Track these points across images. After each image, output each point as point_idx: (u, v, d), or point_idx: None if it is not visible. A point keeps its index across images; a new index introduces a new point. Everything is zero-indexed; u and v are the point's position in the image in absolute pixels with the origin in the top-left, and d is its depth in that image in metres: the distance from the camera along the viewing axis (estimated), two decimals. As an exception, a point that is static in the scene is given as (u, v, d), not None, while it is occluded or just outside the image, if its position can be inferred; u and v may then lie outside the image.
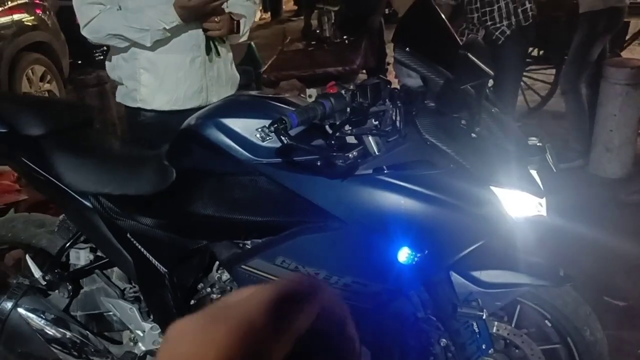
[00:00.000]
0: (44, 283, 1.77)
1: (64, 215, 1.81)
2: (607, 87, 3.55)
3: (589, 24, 3.58)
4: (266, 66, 4.17)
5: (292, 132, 1.21)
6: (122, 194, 1.60)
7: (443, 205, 1.29)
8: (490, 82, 1.49)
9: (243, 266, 1.47)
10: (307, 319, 0.36)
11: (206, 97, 1.99)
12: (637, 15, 4.30)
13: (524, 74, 4.78)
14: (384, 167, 1.32)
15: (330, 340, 0.38)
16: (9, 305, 1.78)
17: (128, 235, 1.59)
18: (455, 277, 1.46)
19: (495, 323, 1.54)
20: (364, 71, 4.64)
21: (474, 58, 1.19)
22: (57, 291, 1.80)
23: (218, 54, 1.98)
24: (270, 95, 1.54)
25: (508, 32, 3.34)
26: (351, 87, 1.31)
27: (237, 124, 1.41)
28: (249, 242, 1.52)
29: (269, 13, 10.75)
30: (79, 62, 5.87)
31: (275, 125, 1.15)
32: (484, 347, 1.48)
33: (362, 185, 1.31)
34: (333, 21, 4.56)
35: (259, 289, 0.37)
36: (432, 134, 1.28)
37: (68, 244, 1.78)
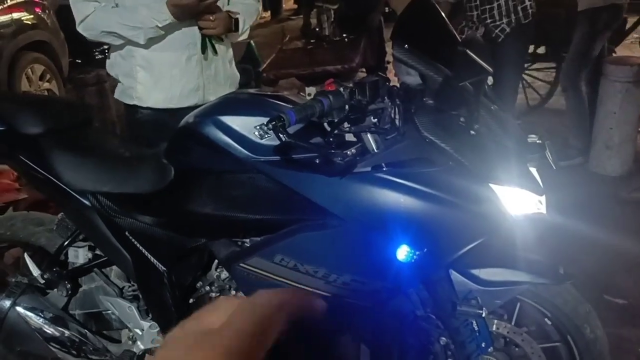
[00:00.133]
0: (42, 281, 1.77)
1: (62, 213, 1.81)
2: (607, 84, 3.54)
3: (590, 21, 3.57)
4: (265, 65, 4.17)
5: (291, 130, 1.20)
6: (120, 192, 1.60)
7: (442, 203, 1.28)
8: (490, 80, 1.49)
9: (242, 264, 1.46)
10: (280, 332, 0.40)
11: (203, 96, 1.98)
12: (634, 13, 4.27)
13: (526, 72, 4.79)
14: (383, 164, 1.31)
15: (312, 348, 0.41)
16: (7, 303, 1.78)
17: (127, 233, 1.59)
18: (455, 275, 1.46)
19: (495, 321, 1.53)
20: (364, 69, 4.64)
21: (472, 54, 1.19)
22: (55, 290, 1.80)
23: (215, 52, 1.97)
24: (268, 93, 1.54)
25: (508, 29, 3.33)
26: (350, 84, 1.30)
27: (236, 122, 1.41)
28: (247, 240, 1.51)
29: (269, 12, 10.74)
30: (79, 61, 5.87)
31: (274, 122, 1.15)
32: (483, 345, 1.48)
33: (361, 183, 1.31)
34: (332, 19, 4.55)
35: (236, 311, 0.40)
36: (431, 131, 1.28)
37: (67, 243, 1.77)
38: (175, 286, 1.59)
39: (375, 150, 1.32)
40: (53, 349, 1.81)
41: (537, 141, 1.36)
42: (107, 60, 2.08)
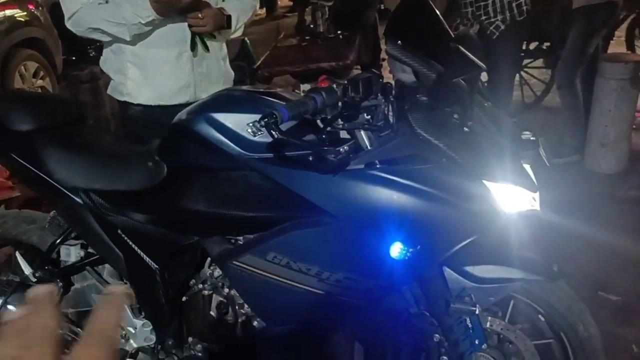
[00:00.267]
0: (34, 280, 1.76)
1: (54, 211, 1.79)
2: (602, 82, 3.54)
3: (586, 18, 3.57)
4: (259, 62, 4.15)
5: (284, 127, 1.20)
6: (113, 189, 1.59)
7: (435, 200, 1.28)
8: (485, 77, 1.48)
9: (234, 262, 1.45)
10: None
11: (194, 93, 1.96)
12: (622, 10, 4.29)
13: (526, 69, 4.79)
14: (376, 161, 1.31)
15: None
16: (-1, 302, 1.76)
17: (119, 231, 1.58)
18: (449, 272, 1.46)
19: (489, 318, 1.53)
20: (358, 67, 4.63)
21: (465, 51, 1.18)
22: (47, 288, 1.79)
23: (207, 49, 1.95)
24: (261, 90, 1.53)
25: (502, 26, 3.33)
26: (343, 81, 1.29)
27: (228, 119, 1.40)
28: (240, 237, 1.51)
29: (264, 9, 10.71)
30: (73, 58, 5.84)
31: (266, 119, 1.14)
32: (477, 342, 1.48)
33: (354, 180, 1.30)
34: (327, 16, 4.54)
35: None
36: (424, 128, 1.27)
37: (59, 241, 1.76)
38: (168, 284, 1.59)
39: (369, 147, 1.31)
40: (45, 347, 1.80)
41: (531, 138, 1.35)
42: (101, 57, 2.07)
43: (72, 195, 1.60)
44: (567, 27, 3.73)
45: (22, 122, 1.63)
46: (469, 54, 1.20)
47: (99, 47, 2.09)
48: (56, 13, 4.98)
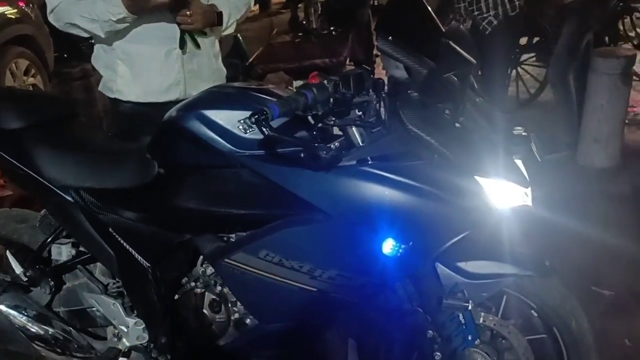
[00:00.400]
0: (25, 279, 1.75)
1: (45, 210, 1.78)
2: (595, 77, 3.55)
3: (579, 14, 3.57)
4: (253, 58, 4.14)
5: (275, 124, 1.19)
6: (104, 187, 1.58)
7: (427, 196, 1.28)
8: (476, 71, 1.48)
9: (227, 260, 1.45)
10: None
11: (184, 91, 1.95)
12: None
13: (523, 66, 4.79)
14: (368, 158, 1.31)
15: None
16: (-11, 302, 1.75)
17: (110, 229, 1.57)
18: (441, 268, 1.45)
19: (482, 314, 1.53)
20: (352, 63, 4.62)
21: (455, 46, 1.18)
22: (39, 287, 1.78)
23: (198, 46, 1.94)
24: (252, 87, 1.52)
25: (495, 22, 3.33)
26: (334, 77, 1.29)
27: (219, 116, 1.39)
28: (233, 235, 1.50)
29: (258, 5, 10.68)
30: (65, 55, 5.80)
31: (257, 116, 1.13)
32: (470, 338, 1.48)
33: (346, 177, 1.30)
34: (320, 13, 4.53)
35: None
36: (416, 124, 1.27)
37: (50, 239, 1.75)
38: (160, 282, 1.58)
39: (361, 144, 1.31)
40: (37, 347, 1.79)
41: (523, 133, 1.35)
42: (93, 53, 2.06)
43: (62, 194, 1.59)
44: (560, 23, 3.73)
45: (11, 120, 1.62)
46: (459, 49, 1.20)
47: (90, 43, 2.08)
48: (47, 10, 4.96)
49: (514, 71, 4.72)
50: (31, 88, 4.88)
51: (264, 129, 1.14)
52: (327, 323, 1.61)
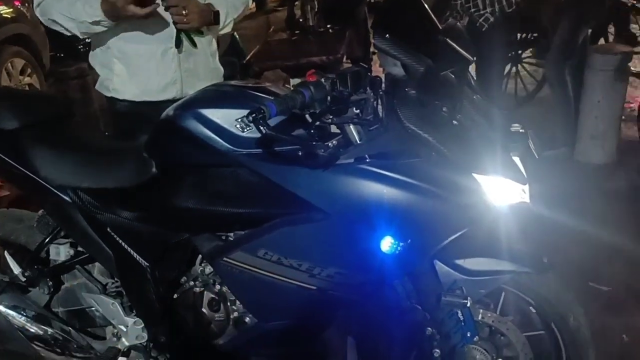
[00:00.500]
0: (23, 279, 1.75)
1: (42, 210, 1.78)
2: (592, 74, 3.56)
3: (576, 10, 3.57)
4: (250, 56, 4.13)
5: (273, 122, 1.19)
6: (101, 187, 1.58)
7: (425, 194, 1.28)
8: (473, 69, 1.48)
9: (225, 259, 1.45)
10: None
11: (181, 90, 1.95)
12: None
13: (523, 63, 4.79)
14: (366, 156, 1.30)
15: None
16: (-12, 303, 1.75)
17: (108, 229, 1.57)
18: (439, 265, 1.45)
19: (480, 311, 1.53)
20: (349, 61, 4.62)
21: (452, 43, 1.18)
22: (37, 288, 1.78)
23: (194, 45, 1.93)
24: (249, 85, 1.52)
25: (491, 19, 3.33)
26: (331, 75, 1.29)
27: (216, 115, 1.39)
28: (231, 234, 1.50)
29: (254, 3, 10.66)
30: (61, 54, 5.78)
31: (254, 115, 1.13)
32: (468, 334, 1.48)
33: (344, 175, 1.30)
34: (317, 10, 4.52)
35: None
36: (413, 122, 1.27)
37: (47, 240, 1.75)
38: (158, 282, 1.58)
39: (358, 142, 1.31)
40: (36, 347, 1.79)
41: (520, 130, 1.35)
42: (90, 52, 2.06)
43: (60, 194, 1.59)
44: (556, 19, 3.74)
45: (8, 120, 1.61)
46: (456, 46, 1.20)
47: (87, 42, 2.08)
48: (43, 9, 4.93)
49: (513, 68, 4.73)
50: (27, 87, 4.87)
51: (262, 128, 1.14)
52: (326, 321, 1.61)
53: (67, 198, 1.58)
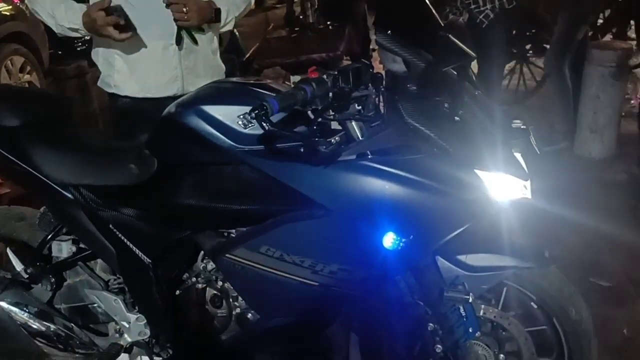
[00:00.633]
0: (26, 276, 1.75)
1: (44, 207, 1.78)
2: (591, 69, 3.56)
3: (574, 4, 3.57)
4: (249, 54, 4.13)
5: (274, 119, 1.19)
6: (103, 184, 1.58)
7: (427, 190, 1.28)
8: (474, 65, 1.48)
9: (228, 255, 1.45)
10: None
11: (182, 87, 1.94)
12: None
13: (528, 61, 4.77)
14: (368, 152, 1.31)
15: None
16: (-9, 299, 1.75)
17: (110, 226, 1.57)
18: (441, 261, 1.46)
19: (482, 306, 1.54)
20: (348, 57, 4.61)
21: (454, 39, 1.18)
22: (39, 284, 1.78)
23: (195, 42, 1.93)
24: (251, 82, 1.52)
25: (492, 15, 3.33)
26: (333, 72, 1.29)
27: (218, 111, 1.39)
28: (233, 231, 1.50)
29: (253, 1, 10.64)
30: (60, 52, 5.77)
31: (256, 111, 1.14)
32: (471, 330, 1.49)
33: (346, 171, 1.30)
34: (316, 7, 4.52)
35: None
36: (415, 118, 1.27)
37: (50, 237, 1.75)
38: (161, 278, 1.58)
39: (360, 138, 1.31)
40: (39, 344, 1.79)
41: (521, 126, 1.36)
42: (92, 48, 2.06)
43: (62, 191, 1.59)
44: (555, 14, 3.74)
45: (10, 118, 1.61)
46: (459, 42, 1.20)
47: (85, 40, 2.08)
48: (42, 7, 4.92)
49: (517, 65, 4.71)
50: (27, 85, 4.87)
51: (264, 124, 1.14)
52: (328, 317, 1.61)
53: (69, 195, 1.58)
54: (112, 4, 1.76)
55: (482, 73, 3.48)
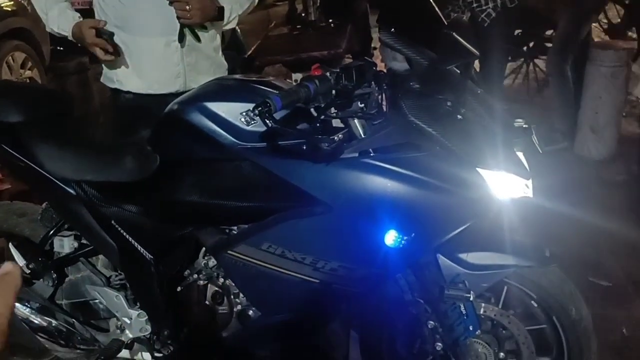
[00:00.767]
0: (28, 272, 1.75)
1: (46, 203, 1.78)
2: (593, 69, 3.56)
3: (577, 4, 3.57)
4: (251, 51, 4.12)
5: (277, 116, 1.19)
6: (105, 180, 1.58)
7: (429, 188, 1.29)
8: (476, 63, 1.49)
9: (229, 252, 1.46)
10: None
11: (184, 83, 1.95)
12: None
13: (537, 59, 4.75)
14: (370, 150, 1.31)
15: None
16: (-8, 295, 1.75)
17: (112, 222, 1.58)
18: (442, 259, 1.46)
19: (482, 304, 1.54)
20: (350, 55, 4.61)
21: (458, 37, 1.18)
22: (41, 280, 1.78)
23: (198, 40, 1.93)
24: (254, 79, 1.52)
25: (493, 14, 3.33)
26: (336, 69, 1.29)
27: (221, 108, 1.39)
28: (235, 227, 1.51)
29: (256, -2, 10.63)
30: (61, 48, 5.76)
31: (260, 108, 1.14)
32: (471, 328, 1.49)
33: (348, 169, 1.30)
34: (318, 5, 4.52)
35: None
36: (418, 116, 1.27)
37: (51, 232, 1.75)
38: (162, 274, 1.58)
39: (362, 136, 1.31)
40: (41, 339, 1.80)
41: (523, 125, 1.36)
42: None
43: (64, 187, 1.59)
44: (557, 14, 3.73)
45: (13, 113, 1.61)
46: (462, 40, 1.20)
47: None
48: (43, 3, 4.91)
49: (524, 65, 4.70)
50: (28, 81, 4.86)
51: (267, 121, 1.14)
52: (329, 314, 1.62)
53: (71, 191, 1.58)
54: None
55: (483, 72, 3.48)
